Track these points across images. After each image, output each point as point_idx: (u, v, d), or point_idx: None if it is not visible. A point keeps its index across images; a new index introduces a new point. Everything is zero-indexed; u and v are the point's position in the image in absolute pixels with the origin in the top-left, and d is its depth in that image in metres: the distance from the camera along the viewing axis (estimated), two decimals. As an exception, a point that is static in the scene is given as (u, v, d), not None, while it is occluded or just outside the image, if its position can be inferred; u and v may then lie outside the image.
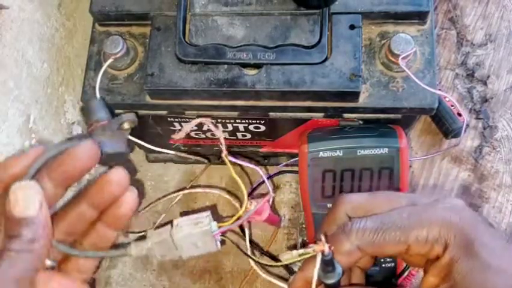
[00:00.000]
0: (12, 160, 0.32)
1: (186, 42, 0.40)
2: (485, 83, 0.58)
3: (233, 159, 0.38)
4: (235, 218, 0.36)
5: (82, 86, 0.42)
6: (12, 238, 0.29)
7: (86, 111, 0.38)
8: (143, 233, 0.36)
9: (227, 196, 0.53)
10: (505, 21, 0.60)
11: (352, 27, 0.39)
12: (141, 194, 0.56)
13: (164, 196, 0.55)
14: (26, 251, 0.29)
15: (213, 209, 0.56)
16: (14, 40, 0.42)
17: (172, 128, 0.47)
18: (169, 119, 0.45)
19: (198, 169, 0.58)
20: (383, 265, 0.47)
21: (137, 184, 0.57)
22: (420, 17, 0.40)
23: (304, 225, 0.55)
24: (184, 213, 0.56)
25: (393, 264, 0.46)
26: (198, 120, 0.39)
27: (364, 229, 0.32)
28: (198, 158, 0.55)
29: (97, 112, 0.38)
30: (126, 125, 0.38)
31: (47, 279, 0.31)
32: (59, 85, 0.49)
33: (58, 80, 0.49)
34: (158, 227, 0.35)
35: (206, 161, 0.55)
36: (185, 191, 0.54)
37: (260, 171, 0.41)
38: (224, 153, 0.37)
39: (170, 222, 0.35)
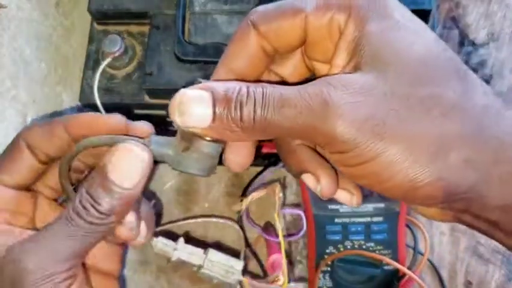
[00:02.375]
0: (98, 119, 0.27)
1: (185, 41, 0.39)
2: (488, 83, 0.58)
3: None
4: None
5: (80, 86, 0.42)
6: (86, 200, 0.24)
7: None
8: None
9: (236, 227, 0.53)
10: (507, 20, 0.60)
11: (354, 25, 0.39)
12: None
13: (171, 222, 0.54)
14: (91, 223, 0.24)
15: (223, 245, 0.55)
16: (11, 39, 0.42)
17: (171, 128, 0.46)
18: (168, 119, 0.44)
19: (198, 170, 0.57)
20: (385, 267, 0.46)
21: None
22: (422, 15, 0.39)
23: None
24: (216, 245, 0.53)
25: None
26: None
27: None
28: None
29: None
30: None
31: None
32: (57, 84, 0.48)
33: (56, 79, 0.48)
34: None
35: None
36: (193, 220, 0.53)
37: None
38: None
39: (204, 246, 0.34)
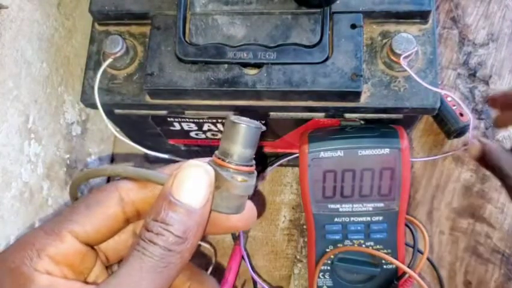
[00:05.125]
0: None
1: (186, 41, 0.40)
2: (487, 83, 0.58)
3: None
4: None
5: (82, 86, 0.42)
6: (156, 226, 0.22)
7: (227, 131, 0.25)
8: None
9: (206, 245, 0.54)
10: (507, 21, 0.60)
11: (353, 26, 0.39)
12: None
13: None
14: (168, 250, 0.22)
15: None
16: (13, 40, 0.42)
17: (171, 128, 0.46)
18: (168, 119, 0.44)
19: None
20: (384, 266, 0.47)
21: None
22: (422, 16, 0.40)
23: (305, 226, 0.55)
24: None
25: (394, 266, 0.46)
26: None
27: None
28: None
29: (243, 142, 0.25)
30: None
31: None
32: (59, 85, 0.49)
33: (57, 79, 0.48)
34: None
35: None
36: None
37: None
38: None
39: None
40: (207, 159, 0.26)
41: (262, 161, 0.56)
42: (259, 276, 0.54)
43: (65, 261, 0.24)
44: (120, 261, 0.27)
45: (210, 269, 0.52)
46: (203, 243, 0.54)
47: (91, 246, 0.25)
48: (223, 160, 0.25)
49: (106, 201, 0.25)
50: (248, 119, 0.25)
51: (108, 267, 0.27)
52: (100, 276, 0.26)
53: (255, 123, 0.25)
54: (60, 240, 0.24)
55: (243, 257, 0.54)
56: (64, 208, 0.27)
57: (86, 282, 0.25)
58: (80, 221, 0.24)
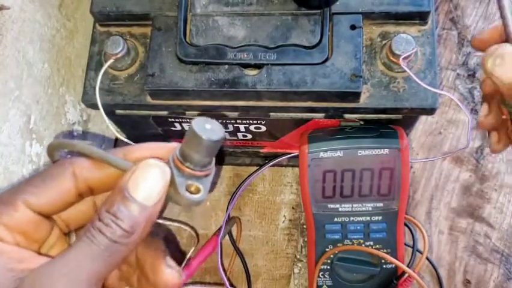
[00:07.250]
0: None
1: (187, 42, 0.40)
2: (486, 84, 0.58)
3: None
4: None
5: (83, 87, 0.42)
6: (107, 217, 0.24)
7: (189, 137, 0.25)
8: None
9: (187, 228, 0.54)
10: (506, 22, 0.60)
11: (353, 27, 0.39)
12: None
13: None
14: (114, 241, 0.23)
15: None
16: (14, 40, 0.42)
17: (172, 128, 0.47)
18: (169, 119, 0.45)
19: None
20: (384, 266, 0.47)
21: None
22: (421, 17, 0.40)
23: (305, 226, 0.55)
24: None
25: (393, 265, 0.46)
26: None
27: None
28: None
29: (203, 152, 0.25)
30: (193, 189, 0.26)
31: None
32: (60, 85, 0.49)
33: (59, 80, 0.49)
34: None
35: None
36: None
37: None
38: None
39: None
40: (174, 144, 0.26)
41: (220, 160, 0.57)
42: (247, 278, 0.54)
43: (19, 229, 0.25)
44: (79, 229, 0.29)
45: (190, 253, 0.52)
46: (186, 228, 0.54)
47: (46, 216, 0.27)
48: (181, 163, 0.25)
49: (60, 176, 0.26)
50: (212, 124, 0.25)
51: (68, 234, 0.29)
52: (55, 244, 0.27)
53: (217, 135, 0.25)
54: (14, 209, 0.25)
55: (239, 253, 0.55)
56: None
57: (39, 253, 0.26)
58: (35, 192, 0.26)
